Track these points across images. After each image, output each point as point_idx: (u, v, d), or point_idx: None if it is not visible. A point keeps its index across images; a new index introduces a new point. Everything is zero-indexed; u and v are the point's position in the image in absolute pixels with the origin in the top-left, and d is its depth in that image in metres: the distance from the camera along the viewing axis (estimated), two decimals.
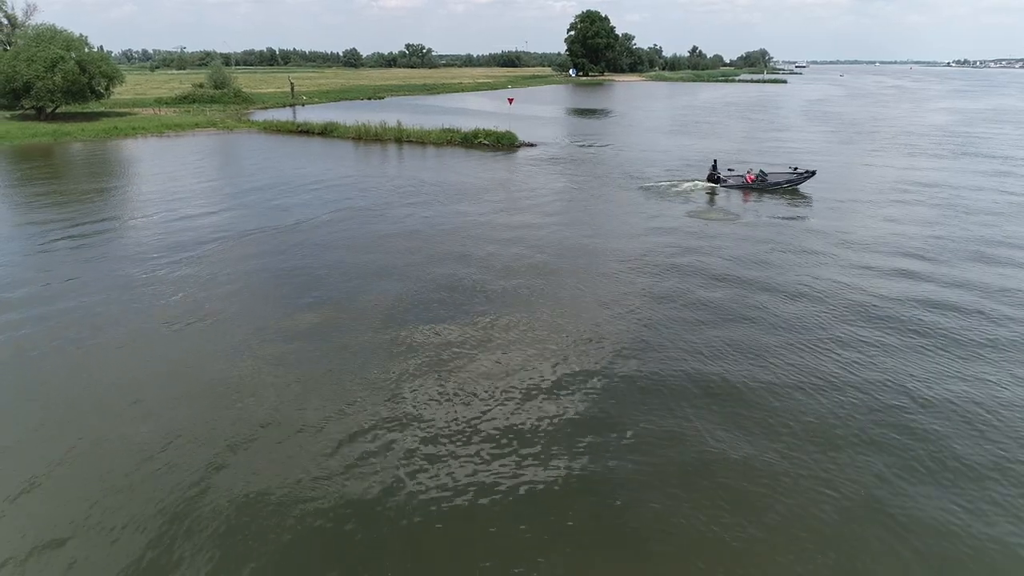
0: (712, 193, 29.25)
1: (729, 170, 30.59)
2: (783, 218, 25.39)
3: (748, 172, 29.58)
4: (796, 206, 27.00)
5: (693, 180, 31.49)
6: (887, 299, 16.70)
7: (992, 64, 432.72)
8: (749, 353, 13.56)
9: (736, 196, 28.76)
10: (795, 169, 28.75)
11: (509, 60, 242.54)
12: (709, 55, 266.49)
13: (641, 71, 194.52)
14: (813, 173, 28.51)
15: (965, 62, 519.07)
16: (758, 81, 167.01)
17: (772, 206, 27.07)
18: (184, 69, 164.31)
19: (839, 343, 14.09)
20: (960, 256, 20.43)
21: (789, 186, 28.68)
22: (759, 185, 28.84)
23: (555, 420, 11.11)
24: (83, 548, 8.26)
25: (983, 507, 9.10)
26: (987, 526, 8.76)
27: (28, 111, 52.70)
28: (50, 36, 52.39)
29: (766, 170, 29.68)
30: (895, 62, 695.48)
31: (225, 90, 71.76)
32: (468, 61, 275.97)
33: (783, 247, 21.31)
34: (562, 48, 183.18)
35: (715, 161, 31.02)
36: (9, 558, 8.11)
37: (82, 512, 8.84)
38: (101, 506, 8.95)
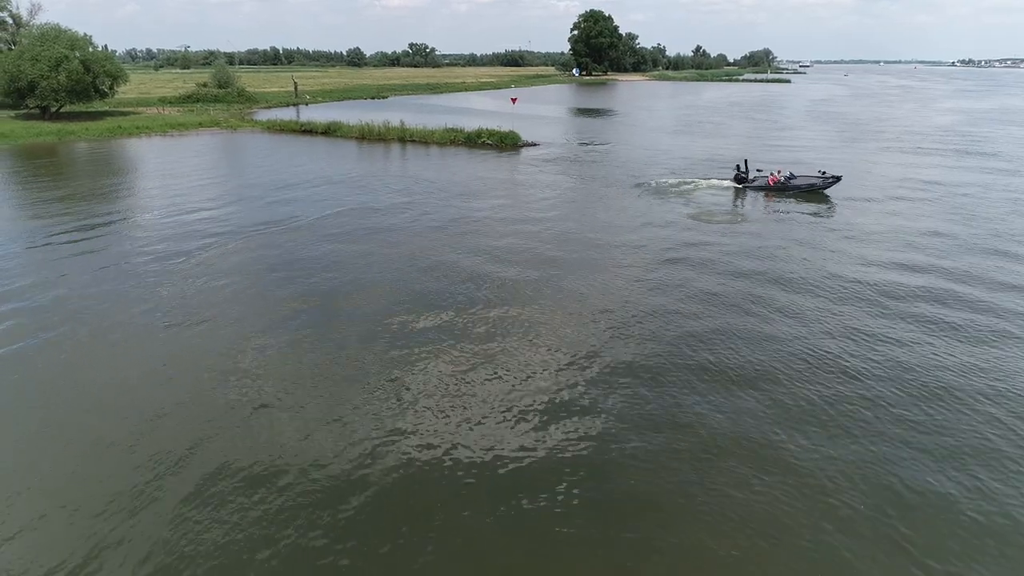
0: (736, 193, 29.30)
1: (758, 171, 30.43)
2: (799, 216, 25.44)
3: (771, 174, 29.51)
4: (816, 207, 26.79)
5: (715, 179, 31.65)
6: (900, 296, 16.63)
7: (997, 64, 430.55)
8: (759, 348, 13.49)
9: (759, 196, 28.79)
10: (823, 173, 28.59)
11: (512, 59, 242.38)
12: (713, 55, 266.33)
13: (645, 71, 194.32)
14: (838, 179, 28.35)
15: (970, 62, 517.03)
16: (762, 81, 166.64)
17: (792, 206, 26.95)
18: (188, 68, 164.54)
19: (849, 339, 14.02)
20: (970, 253, 20.33)
21: (811, 190, 28.52)
22: (782, 187, 28.80)
23: (552, 410, 11.07)
24: (69, 539, 8.28)
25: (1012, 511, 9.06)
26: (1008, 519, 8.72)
27: (32, 110, 52.85)
28: (54, 35, 52.48)
29: (796, 173, 29.53)
30: (899, 61, 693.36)
31: (229, 89, 71.84)
32: (471, 60, 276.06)
33: (794, 244, 21.26)
34: (565, 47, 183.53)
35: (745, 161, 30.86)
36: None
37: (73, 504, 8.88)
38: (95, 499, 8.98)
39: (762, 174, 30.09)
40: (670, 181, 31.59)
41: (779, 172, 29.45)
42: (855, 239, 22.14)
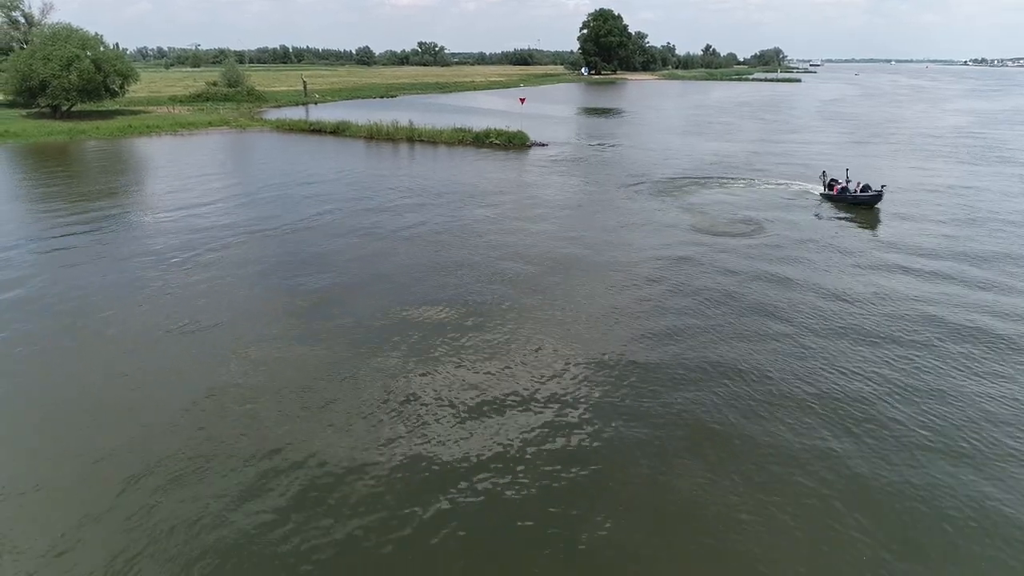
0: (820, 202, 28.83)
1: (848, 180, 29.31)
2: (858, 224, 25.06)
3: (835, 183, 28.94)
4: (873, 217, 26.17)
5: (795, 184, 31.62)
6: (911, 298, 16.45)
7: (1010, 63, 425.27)
8: (774, 360, 13.37)
9: (826, 206, 28.20)
10: (883, 187, 27.99)
11: (521, 58, 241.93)
12: (723, 53, 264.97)
13: (654, 70, 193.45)
14: (880, 195, 27.89)
15: (982, 60, 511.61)
16: (772, 80, 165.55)
17: (853, 215, 26.34)
18: (198, 67, 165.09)
19: (881, 349, 13.87)
20: (985, 258, 20.10)
21: (857, 202, 27.86)
22: (841, 197, 28.33)
23: (554, 412, 10.98)
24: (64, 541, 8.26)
25: None
26: None
27: (44, 109, 53.13)
28: (66, 35, 52.78)
29: (873, 185, 28.76)
30: (911, 60, 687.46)
31: (238, 88, 72.00)
32: (480, 59, 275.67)
33: (827, 253, 21.02)
34: (575, 46, 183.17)
35: (847, 170, 29.64)
36: None
37: (71, 505, 8.87)
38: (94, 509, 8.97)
39: (839, 184, 29.08)
40: (773, 182, 31.82)
41: (858, 184, 28.76)
42: (888, 246, 21.90)
